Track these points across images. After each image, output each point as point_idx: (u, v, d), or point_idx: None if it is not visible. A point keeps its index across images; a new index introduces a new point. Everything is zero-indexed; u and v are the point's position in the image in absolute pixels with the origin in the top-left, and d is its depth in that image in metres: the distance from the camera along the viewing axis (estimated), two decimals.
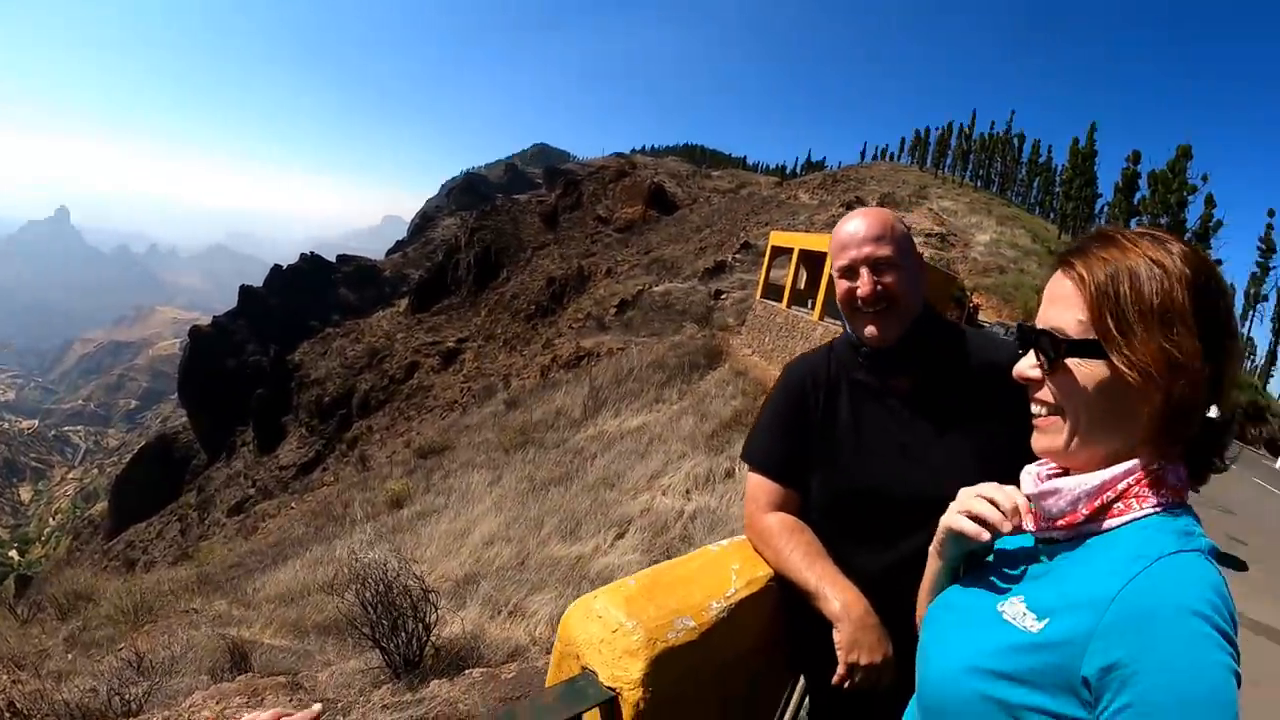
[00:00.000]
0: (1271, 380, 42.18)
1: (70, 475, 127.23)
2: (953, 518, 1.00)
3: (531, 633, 5.79)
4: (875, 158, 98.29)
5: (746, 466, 1.70)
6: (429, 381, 58.14)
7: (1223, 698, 0.69)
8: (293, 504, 34.82)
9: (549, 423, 18.40)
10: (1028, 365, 0.96)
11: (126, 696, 4.29)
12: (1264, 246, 40.75)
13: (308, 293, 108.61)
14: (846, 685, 1.40)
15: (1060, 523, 0.92)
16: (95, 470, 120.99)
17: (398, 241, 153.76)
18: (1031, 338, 0.94)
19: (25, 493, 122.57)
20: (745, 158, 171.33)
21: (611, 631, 1.34)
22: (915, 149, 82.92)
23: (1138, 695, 0.71)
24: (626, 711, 1.30)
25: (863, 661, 1.38)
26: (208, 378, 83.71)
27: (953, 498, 1.06)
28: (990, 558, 1.04)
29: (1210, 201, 36.75)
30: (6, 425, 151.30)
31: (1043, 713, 0.80)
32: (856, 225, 1.51)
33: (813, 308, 21.36)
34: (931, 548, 1.09)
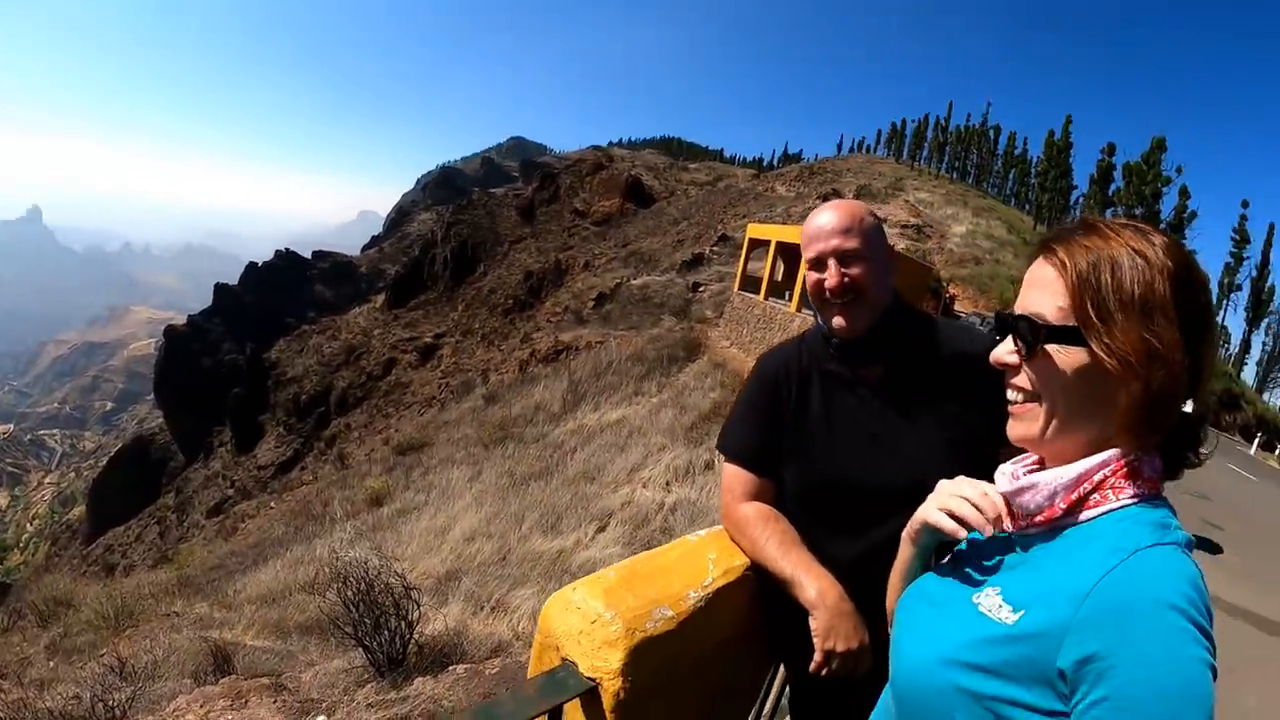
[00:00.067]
0: (1245, 368, 43.08)
1: (47, 480, 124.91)
2: (932, 514, 1.00)
3: (514, 628, 5.79)
4: (852, 150, 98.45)
5: (722, 457, 1.72)
6: (407, 378, 57.78)
7: (1199, 691, 0.69)
8: (272, 504, 34.52)
9: (528, 417, 18.35)
10: (1005, 351, 0.95)
11: (110, 703, 4.24)
12: (1237, 237, 41.39)
13: (283, 290, 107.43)
14: (824, 672, 1.41)
15: (1039, 518, 0.92)
16: (72, 474, 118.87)
17: (373, 237, 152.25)
18: (1010, 323, 0.93)
19: (2, 499, 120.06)
20: (722, 150, 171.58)
21: (590, 623, 1.34)
22: (891, 141, 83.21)
23: (1114, 689, 0.71)
24: (607, 701, 1.31)
25: (839, 648, 1.39)
26: (184, 378, 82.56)
27: (923, 487, 1.06)
28: (963, 545, 1.04)
29: (1185, 193, 37.24)
30: None
31: (1018, 705, 0.80)
32: (825, 218, 1.52)
33: (790, 299, 21.49)
34: (904, 534, 1.09)
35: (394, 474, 17.45)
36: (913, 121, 78.00)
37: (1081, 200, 45.62)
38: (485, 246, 79.34)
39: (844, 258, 1.50)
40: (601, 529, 9.10)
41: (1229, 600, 6.36)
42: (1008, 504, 0.95)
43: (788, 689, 1.81)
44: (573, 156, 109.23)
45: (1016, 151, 66.54)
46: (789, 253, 23.05)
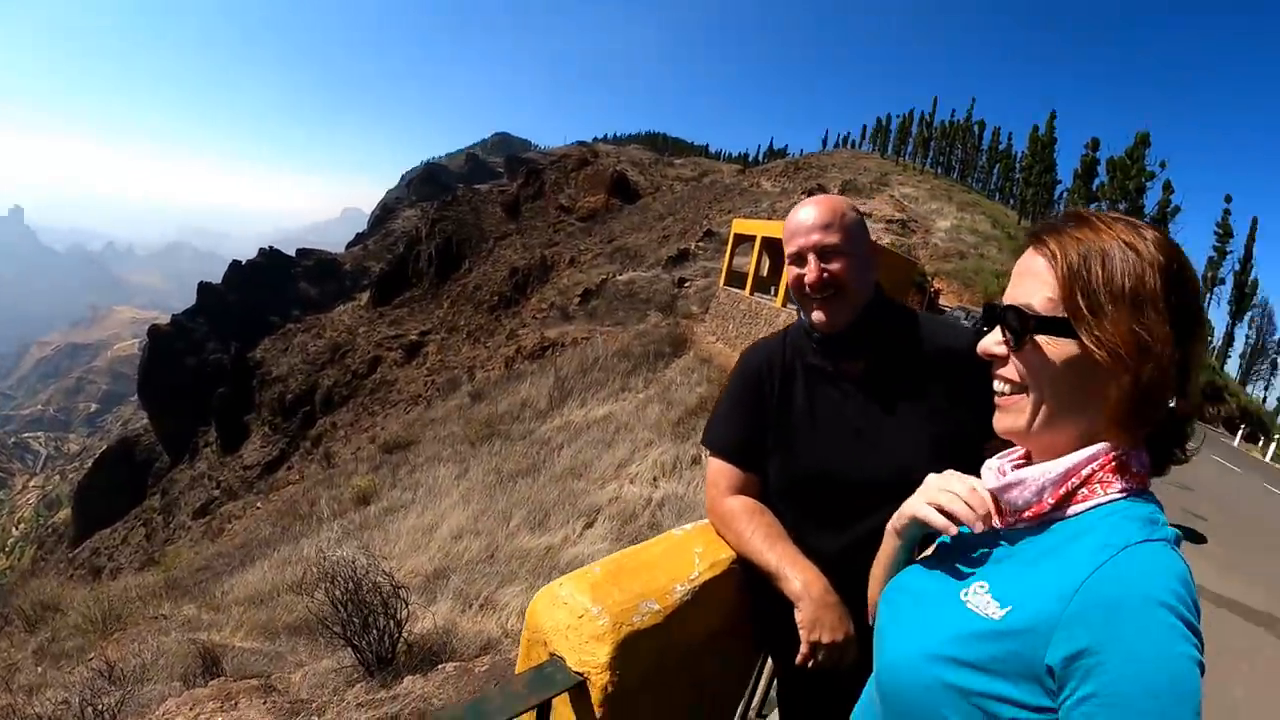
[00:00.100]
0: (1229, 361, 43.68)
1: (32, 483, 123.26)
2: (921, 509, 0.99)
3: (503, 625, 5.79)
4: (837, 145, 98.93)
5: (707, 452, 1.73)
6: (392, 376, 57.44)
7: (1187, 688, 0.69)
8: (258, 504, 34.29)
9: (515, 414, 18.30)
10: (993, 341, 0.94)
11: (99, 707, 4.21)
12: (1220, 231, 41.94)
13: (267, 288, 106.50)
14: (810, 664, 1.42)
15: (1027, 514, 0.91)
16: (57, 477, 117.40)
17: (358, 234, 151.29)
18: (998, 314, 0.93)
19: None
20: (708, 146, 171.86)
21: (578, 617, 1.35)
22: (877, 136, 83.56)
23: (1102, 685, 0.71)
24: (595, 695, 1.31)
25: (825, 640, 1.40)
26: (168, 378, 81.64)
27: (907, 480, 1.06)
28: (946, 539, 1.03)
29: (1168, 187, 37.77)
30: None
31: (1005, 701, 0.79)
32: (806, 213, 1.53)
33: (776, 294, 21.55)
34: (889, 526, 1.09)
35: (380, 472, 17.38)
36: (898, 117, 78.43)
37: (1065, 195, 46.13)
38: (470, 243, 78.96)
39: (824, 253, 1.50)
40: (589, 525, 9.10)
41: (1214, 590, 6.44)
42: (995, 500, 0.95)
43: (776, 681, 1.82)
44: (558, 152, 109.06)
45: (1001, 147, 67.12)
46: (774, 248, 23.10)
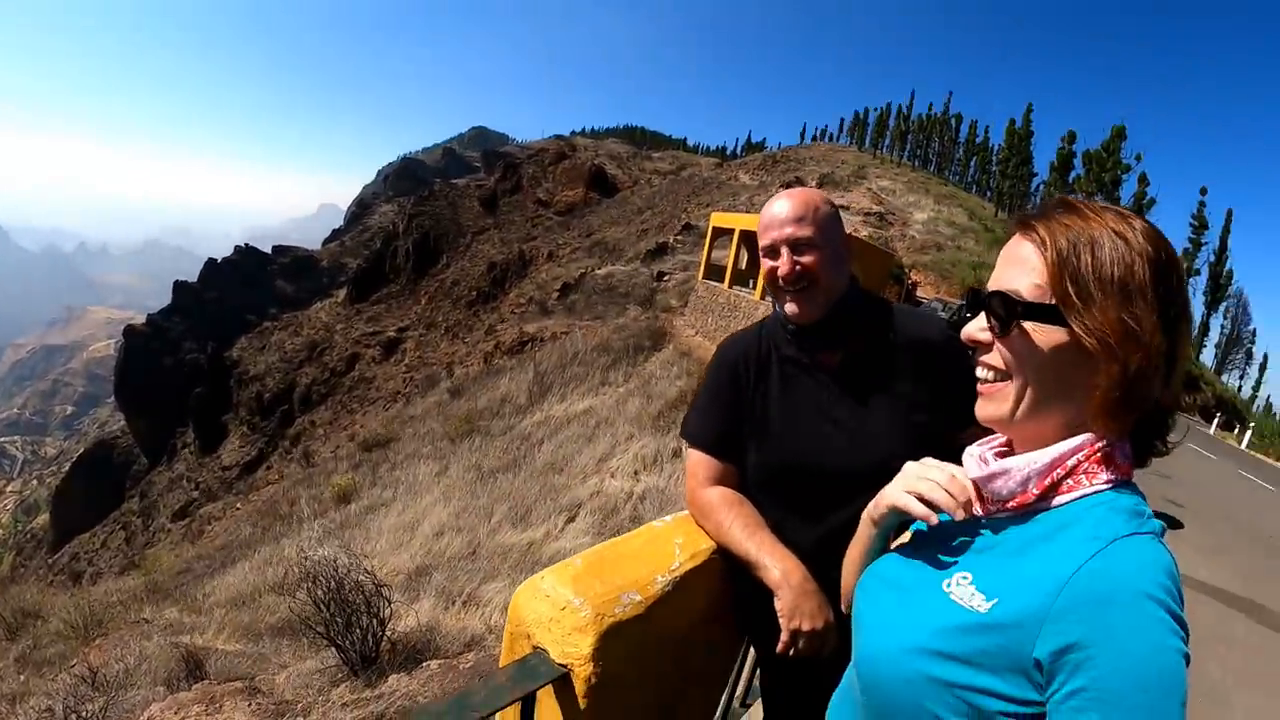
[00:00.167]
0: (1204, 350, 44.35)
1: (9, 488, 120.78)
2: (900, 497, 0.98)
3: (487, 621, 5.79)
4: (815, 138, 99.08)
5: (686, 444, 1.74)
6: (371, 373, 57.07)
7: (1174, 681, 0.69)
8: (238, 505, 34.02)
9: (494, 410, 18.27)
10: (977, 328, 0.93)
11: (84, 714, 4.18)
12: (1196, 223, 42.38)
13: (244, 286, 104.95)
14: (791, 652, 1.43)
15: (1010, 504, 0.90)
16: (35, 481, 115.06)
17: (334, 230, 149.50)
18: (983, 299, 0.91)
19: None
20: (685, 139, 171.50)
21: (560, 610, 1.36)
22: (854, 130, 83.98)
23: (1092, 679, 0.71)
24: (579, 686, 1.32)
25: (805, 628, 1.41)
26: (144, 379, 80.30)
27: (884, 470, 1.05)
28: (923, 526, 1.02)
29: (1144, 180, 38.16)
30: None
31: (990, 694, 0.78)
32: (780, 207, 1.54)
33: (754, 288, 21.63)
34: (865, 514, 1.07)
35: (360, 471, 17.31)
36: (876, 110, 78.88)
37: (1042, 187, 46.58)
38: (448, 238, 78.52)
39: (797, 246, 1.51)
40: (571, 520, 9.11)
41: (1190, 575, 6.54)
42: (977, 489, 0.94)
43: (759, 669, 1.84)
44: (535, 146, 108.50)
45: (978, 140, 67.57)
46: (752, 241, 22.92)
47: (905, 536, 1.09)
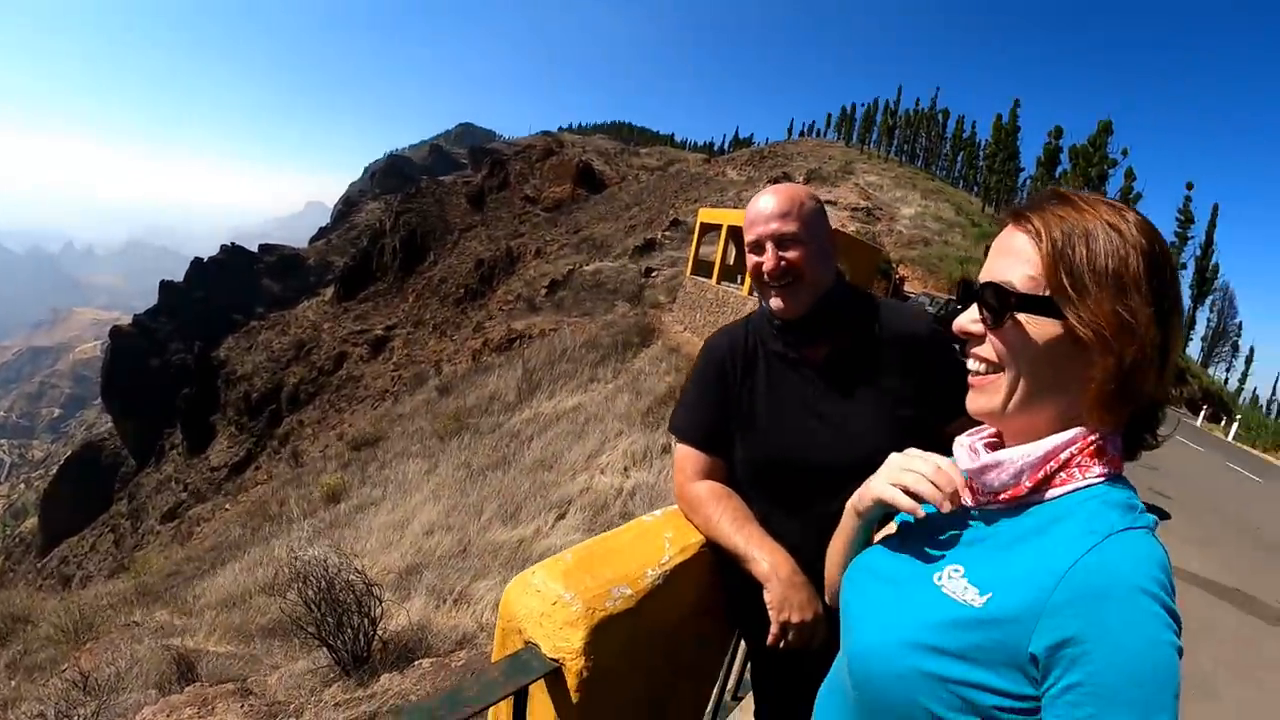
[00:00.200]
0: (1190, 344, 44.77)
1: None
2: (885, 489, 0.96)
3: (478, 619, 5.78)
4: (802, 134, 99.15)
5: (674, 439, 1.75)
6: (359, 371, 56.80)
7: (1169, 675, 0.70)
8: (227, 506, 33.83)
9: (483, 407, 18.23)
10: (969, 319, 0.92)
11: (75, 718, 4.16)
12: (1182, 218, 42.74)
13: (230, 285, 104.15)
14: (781, 644, 1.44)
15: (1002, 496, 0.89)
16: (22, 485, 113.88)
17: (321, 228, 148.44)
18: (975, 291, 0.90)
19: None
20: (673, 135, 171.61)
21: (551, 604, 1.36)
22: (842, 125, 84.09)
23: (1088, 674, 0.71)
24: (571, 681, 1.33)
25: (794, 620, 1.42)
26: (131, 380, 79.66)
27: (870, 463, 1.04)
28: (909, 517, 1.01)
29: (1130, 175, 38.49)
30: None
31: (985, 689, 0.78)
32: (764, 203, 1.55)
33: (742, 283, 21.64)
34: (850, 505, 1.06)
35: (349, 470, 17.24)
36: (862, 106, 79.15)
37: (1029, 182, 46.89)
38: (435, 235, 78.18)
39: (781, 241, 1.52)
40: (561, 517, 9.10)
41: (1181, 567, 6.60)
42: (968, 480, 0.93)
43: (749, 661, 1.85)
44: (522, 143, 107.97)
45: (965, 135, 67.88)
46: (740, 236, 23.00)
47: (891, 528, 1.08)
